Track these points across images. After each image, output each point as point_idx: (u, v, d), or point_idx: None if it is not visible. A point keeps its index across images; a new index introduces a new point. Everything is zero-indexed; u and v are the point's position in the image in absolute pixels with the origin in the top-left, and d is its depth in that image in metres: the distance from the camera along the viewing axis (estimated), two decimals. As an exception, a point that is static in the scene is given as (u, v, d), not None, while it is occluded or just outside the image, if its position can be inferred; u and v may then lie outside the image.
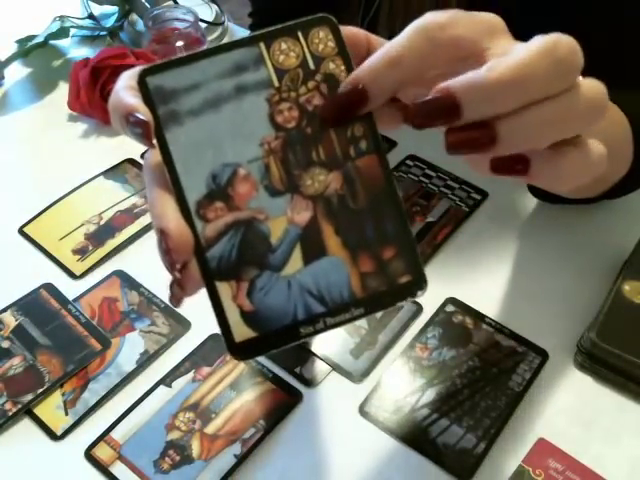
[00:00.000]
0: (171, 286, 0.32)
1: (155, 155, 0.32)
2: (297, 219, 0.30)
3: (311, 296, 0.30)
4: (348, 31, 0.33)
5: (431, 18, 0.29)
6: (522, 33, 0.31)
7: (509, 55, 0.28)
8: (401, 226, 0.30)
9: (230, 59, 0.31)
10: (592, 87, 0.29)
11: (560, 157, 0.30)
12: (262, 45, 0.31)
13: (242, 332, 0.29)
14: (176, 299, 0.32)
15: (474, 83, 0.27)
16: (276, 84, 0.31)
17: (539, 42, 0.28)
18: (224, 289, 0.30)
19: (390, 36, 0.31)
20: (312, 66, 0.31)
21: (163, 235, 0.29)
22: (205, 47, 0.32)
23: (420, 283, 0.30)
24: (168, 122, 0.30)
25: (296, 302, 0.30)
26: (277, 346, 0.29)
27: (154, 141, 0.30)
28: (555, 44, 0.28)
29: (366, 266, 0.30)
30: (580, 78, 0.29)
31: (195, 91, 0.31)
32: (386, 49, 0.30)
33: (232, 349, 0.29)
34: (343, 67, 0.31)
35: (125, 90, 0.31)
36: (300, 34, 0.31)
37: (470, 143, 0.29)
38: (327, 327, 0.30)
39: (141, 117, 0.30)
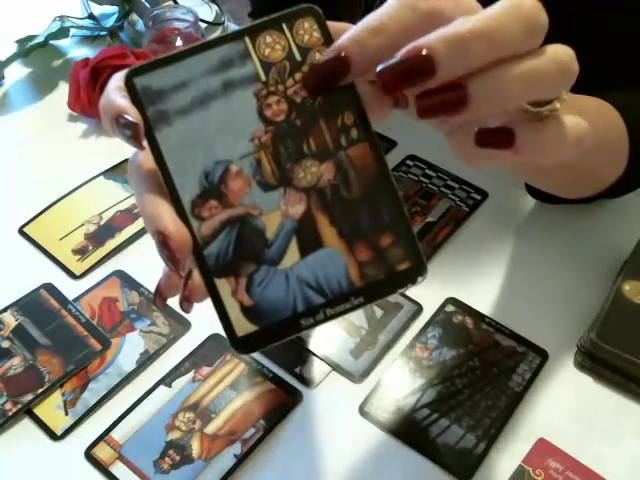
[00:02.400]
0: (180, 303, 0.32)
1: (145, 157, 0.32)
2: (291, 212, 0.30)
3: (310, 288, 0.30)
4: (337, 26, 0.32)
5: None
6: None
7: (478, 14, 0.28)
8: (397, 213, 0.30)
9: (216, 55, 0.31)
10: (560, 50, 0.29)
11: (543, 128, 0.30)
12: (247, 39, 0.31)
13: (243, 327, 0.29)
14: (160, 303, 0.34)
15: (447, 36, 0.27)
16: (263, 78, 0.31)
17: (504, 2, 0.28)
18: (223, 285, 0.30)
19: None
20: (298, 57, 0.31)
21: (163, 237, 0.29)
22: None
23: (420, 269, 0.30)
24: (158, 122, 0.30)
25: (295, 294, 0.30)
26: (279, 338, 0.30)
27: (144, 143, 0.30)
28: (520, 2, 0.28)
29: (363, 255, 0.30)
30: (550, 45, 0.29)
31: (183, 90, 0.30)
32: (368, 18, 0.30)
33: (235, 344, 0.29)
34: None
35: (115, 91, 0.31)
36: (285, 26, 0.31)
37: (441, 105, 0.29)
38: (327, 318, 0.30)
39: (130, 119, 0.30)
